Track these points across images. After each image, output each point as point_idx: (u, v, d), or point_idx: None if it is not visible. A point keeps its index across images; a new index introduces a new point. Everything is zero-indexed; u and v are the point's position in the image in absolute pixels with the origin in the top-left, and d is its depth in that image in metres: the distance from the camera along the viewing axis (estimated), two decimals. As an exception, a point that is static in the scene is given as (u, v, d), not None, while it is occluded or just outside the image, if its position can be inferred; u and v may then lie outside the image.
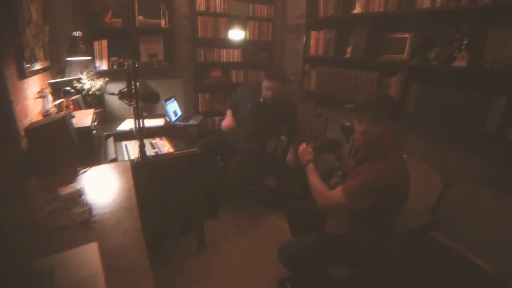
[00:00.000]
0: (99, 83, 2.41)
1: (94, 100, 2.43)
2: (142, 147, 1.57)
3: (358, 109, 1.28)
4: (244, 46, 3.22)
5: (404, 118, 1.67)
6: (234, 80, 3.32)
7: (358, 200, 1.19)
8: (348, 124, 2.33)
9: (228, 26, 3.05)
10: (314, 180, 1.34)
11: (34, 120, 1.63)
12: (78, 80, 2.36)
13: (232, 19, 3.07)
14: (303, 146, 1.49)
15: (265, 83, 2.14)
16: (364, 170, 1.24)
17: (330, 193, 1.26)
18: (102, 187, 1.21)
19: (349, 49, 2.45)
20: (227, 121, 2.29)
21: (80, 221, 0.96)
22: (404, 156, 1.32)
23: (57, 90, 2.04)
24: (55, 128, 1.41)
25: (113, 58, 2.60)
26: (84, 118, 1.93)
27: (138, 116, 1.53)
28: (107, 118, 2.57)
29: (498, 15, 1.53)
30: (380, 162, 1.20)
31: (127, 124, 2.39)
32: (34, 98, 1.74)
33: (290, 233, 1.71)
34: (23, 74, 1.55)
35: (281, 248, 1.41)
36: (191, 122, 2.80)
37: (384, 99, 1.27)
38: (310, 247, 1.37)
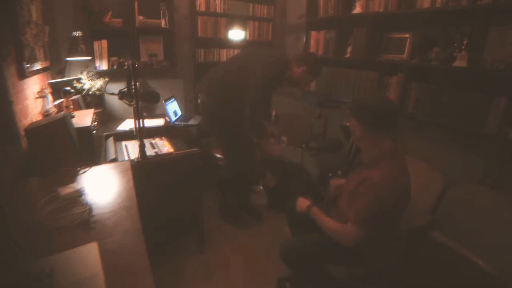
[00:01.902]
0: (99, 83, 2.41)
1: (94, 100, 2.43)
2: (142, 147, 1.57)
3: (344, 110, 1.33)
4: (244, 46, 3.21)
5: (400, 125, 1.65)
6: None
7: (372, 221, 1.20)
8: (348, 124, 2.32)
9: (228, 26, 3.05)
10: (325, 223, 1.33)
11: (34, 120, 1.63)
12: (78, 80, 2.36)
13: (232, 19, 3.07)
14: (298, 201, 1.49)
15: (311, 78, 2.05)
16: (363, 186, 1.22)
17: (347, 230, 1.24)
18: (102, 187, 1.21)
19: (349, 49, 2.45)
20: None
21: (80, 221, 0.96)
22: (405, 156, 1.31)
23: (57, 90, 2.04)
24: (55, 128, 1.41)
25: (113, 58, 2.60)
26: (84, 118, 1.94)
27: (138, 116, 1.53)
28: (107, 118, 2.57)
29: (498, 15, 1.53)
30: (377, 172, 1.19)
31: (127, 124, 2.39)
32: (34, 98, 1.73)
33: (290, 232, 1.71)
34: (23, 74, 1.55)
35: (283, 246, 1.42)
36: (191, 122, 2.80)
37: (365, 107, 1.24)
38: (312, 245, 1.38)
